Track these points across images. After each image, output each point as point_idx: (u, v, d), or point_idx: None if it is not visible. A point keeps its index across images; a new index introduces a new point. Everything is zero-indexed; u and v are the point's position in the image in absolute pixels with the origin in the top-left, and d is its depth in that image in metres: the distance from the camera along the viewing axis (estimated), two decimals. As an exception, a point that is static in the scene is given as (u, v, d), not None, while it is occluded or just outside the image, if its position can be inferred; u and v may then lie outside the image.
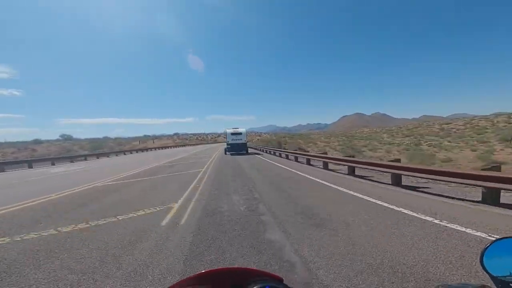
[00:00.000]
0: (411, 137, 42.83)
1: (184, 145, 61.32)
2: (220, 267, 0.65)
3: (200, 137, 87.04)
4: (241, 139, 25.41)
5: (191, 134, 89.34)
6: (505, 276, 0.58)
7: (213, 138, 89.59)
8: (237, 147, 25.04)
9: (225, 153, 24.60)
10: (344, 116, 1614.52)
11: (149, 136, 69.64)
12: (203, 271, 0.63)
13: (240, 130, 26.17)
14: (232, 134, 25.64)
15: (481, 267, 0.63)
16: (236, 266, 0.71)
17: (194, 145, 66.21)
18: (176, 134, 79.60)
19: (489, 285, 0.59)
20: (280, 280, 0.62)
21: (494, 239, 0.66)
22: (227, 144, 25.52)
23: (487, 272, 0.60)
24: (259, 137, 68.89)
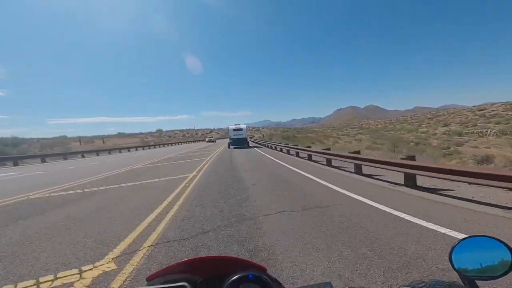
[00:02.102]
0: (449, 126, 34.22)
1: (154, 146, 39.78)
2: (203, 256, 0.65)
3: (188, 133, 74.97)
4: (242, 134, 27.41)
5: (178, 130, 78.28)
6: (470, 272, 0.62)
7: (205, 134, 78.52)
8: (239, 142, 27.25)
9: (228, 147, 26.65)
10: (338, 109, 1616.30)
11: (123, 134, 57.79)
12: (185, 259, 0.64)
13: (241, 126, 28.24)
14: (234, 130, 27.69)
15: (450, 264, 0.65)
16: (219, 255, 0.72)
17: (168, 144, 46.63)
18: (159, 130, 67.48)
19: (458, 282, 0.61)
20: (263, 270, 0.63)
21: (462, 237, 0.67)
22: (230, 139, 27.89)
23: (455, 269, 0.63)
24: (262, 133, 59.78)
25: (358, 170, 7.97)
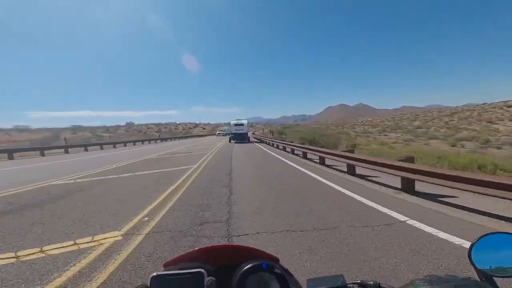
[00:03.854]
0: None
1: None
2: (217, 245, 0.67)
3: (165, 127, 57.04)
4: (243, 130, 28.25)
5: (152, 124, 63.39)
6: (489, 269, 0.62)
7: (187, 130, 64.72)
8: (240, 136, 27.85)
9: (230, 141, 27.34)
10: (328, 107, 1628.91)
11: (81, 127, 44.40)
12: (199, 248, 0.65)
13: (242, 121, 28.90)
14: (235, 125, 28.28)
15: (468, 261, 0.65)
16: (232, 244, 0.71)
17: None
18: (130, 123, 53.81)
19: (473, 277, 0.61)
20: (276, 260, 0.64)
21: (482, 234, 0.67)
22: (231, 134, 28.65)
23: (473, 265, 0.64)
24: (271, 130, 48.24)
25: None
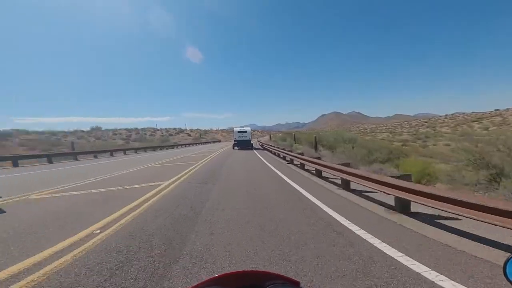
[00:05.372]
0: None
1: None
2: (240, 270, 0.67)
3: (137, 133, 46.79)
4: (246, 137, 28.25)
5: (124, 129, 50.01)
6: None
7: (165, 136, 50.60)
8: (243, 143, 27.73)
9: (233, 148, 27.04)
10: (322, 115, 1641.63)
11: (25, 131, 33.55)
12: (224, 273, 0.66)
13: (245, 129, 29.20)
14: (239, 132, 28.55)
15: (503, 275, 0.65)
16: (256, 269, 0.70)
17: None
18: (96, 128, 42.56)
19: None
20: (297, 284, 0.64)
21: None
22: (234, 141, 28.27)
23: (509, 280, 0.64)
24: (286, 136, 37.68)
25: None
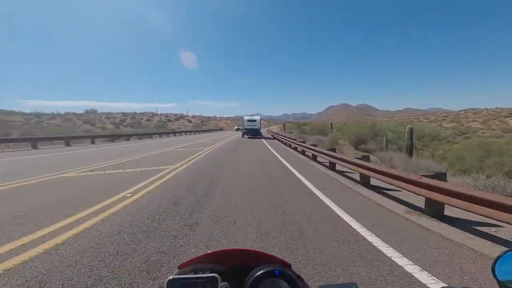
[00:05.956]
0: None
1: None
2: (230, 248, 0.67)
3: (133, 117, 42.19)
4: (255, 125, 28.51)
5: (120, 113, 45.63)
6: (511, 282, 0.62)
7: (163, 122, 45.54)
8: (252, 132, 28.15)
9: (243, 136, 27.81)
10: (330, 106, 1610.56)
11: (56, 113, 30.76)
12: (212, 251, 0.67)
13: (255, 117, 29.50)
14: (248, 120, 28.93)
15: (491, 274, 0.65)
16: (246, 248, 0.75)
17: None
18: (92, 110, 39.45)
19: None
20: (288, 265, 0.64)
21: (508, 248, 0.69)
22: (244, 129, 28.85)
23: (497, 280, 0.63)
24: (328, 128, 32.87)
25: None
